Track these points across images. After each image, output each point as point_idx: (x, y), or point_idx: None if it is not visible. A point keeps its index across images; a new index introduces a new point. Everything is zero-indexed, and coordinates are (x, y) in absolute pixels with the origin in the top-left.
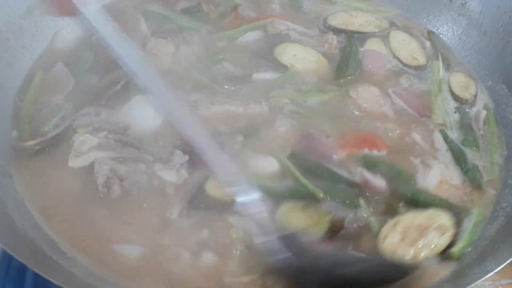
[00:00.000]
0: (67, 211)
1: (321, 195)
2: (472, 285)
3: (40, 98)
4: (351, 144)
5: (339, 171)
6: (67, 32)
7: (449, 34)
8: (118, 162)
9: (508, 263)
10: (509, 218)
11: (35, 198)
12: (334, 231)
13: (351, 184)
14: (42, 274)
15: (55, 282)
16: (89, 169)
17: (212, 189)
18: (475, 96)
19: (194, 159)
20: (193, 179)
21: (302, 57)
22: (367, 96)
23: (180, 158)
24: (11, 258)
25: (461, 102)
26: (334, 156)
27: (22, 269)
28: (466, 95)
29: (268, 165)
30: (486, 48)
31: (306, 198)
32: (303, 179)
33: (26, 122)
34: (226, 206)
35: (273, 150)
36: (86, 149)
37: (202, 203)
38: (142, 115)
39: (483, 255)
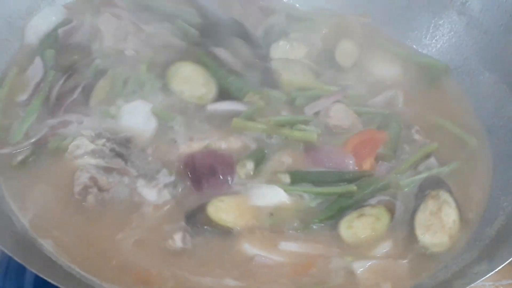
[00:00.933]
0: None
1: (354, 187)
2: (472, 285)
3: (14, 99)
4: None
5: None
6: (38, 23)
7: (450, 33)
8: (104, 172)
9: (508, 263)
10: (509, 218)
11: (24, 207)
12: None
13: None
14: (41, 275)
15: (54, 283)
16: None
17: (214, 212)
18: None
19: (197, 180)
20: (180, 201)
21: None
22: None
23: (165, 177)
24: (10, 259)
25: None
26: (351, 162)
27: (21, 270)
28: None
29: (277, 194)
30: (486, 47)
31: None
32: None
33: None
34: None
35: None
36: (80, 154)
37: (200, 223)
38: (137, 122)
39: (483, 254)
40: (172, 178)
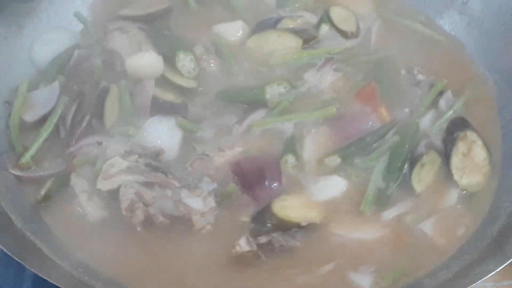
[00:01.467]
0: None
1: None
2: (473, 285)
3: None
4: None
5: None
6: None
7: (450, 33)
8: (145, 187)
9: (509, 264)
10: (510, 218)
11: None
12: None
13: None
14: (40, 274)
15: (53, 282)
16: (115, 193)
17: (280, 209)
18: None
19: (249, 187)
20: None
21: None
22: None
23: (208, 185)
24: (9, 258)
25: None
26: (372, 117)
27: (20, 269)
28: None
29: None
30: (487, 47)
31: None
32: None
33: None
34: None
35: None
36: (115, 172)
37: (269, 221)
38: (162, 136)
39: (484, 255)
40: (215, 185)
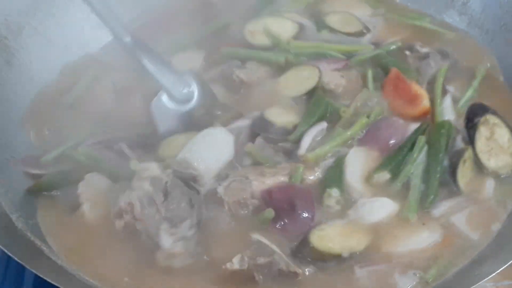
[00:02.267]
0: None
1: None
2: (474, 286)
3: None
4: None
5: None
6: None
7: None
8: (146, 202)
9: (510, 264)
10: (510, 218)
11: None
12: None
13: None
14: (40, 275)
15: (54, 283)
16: None
17: (319, 241)
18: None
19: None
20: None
21: None
22: None
23: (186, 229)
24: (9, 258)
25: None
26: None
27: (20, 270)
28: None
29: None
30: (488, 47)
31: None
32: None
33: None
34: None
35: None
36: (145, 176)
37: (308, 256)
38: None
39: (484, 255)
40: (193, 231)
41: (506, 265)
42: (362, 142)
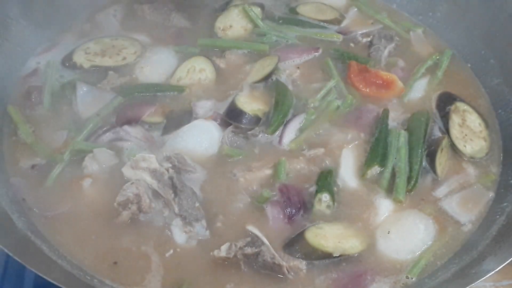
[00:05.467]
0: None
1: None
2: (472, 285)
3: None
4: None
5: None
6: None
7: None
8: (151, 195)
9: (508, 263)
10: (509, 218)
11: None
12: None
13: None
14: (40, 274)
15: (54, 282)
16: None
17: (313, 236)
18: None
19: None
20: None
21: None
22: None
23: (200, 229)
24: (9, 257)
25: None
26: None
27: (21, 269)
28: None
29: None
30: (488, 47)
31: None
32: None
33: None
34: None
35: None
36: (143, 167)
37: (299, 250)
38: (200, 142)
39: (483, 254)
40: (207, 232)
41: (505, 264)
42: (346, 127)
